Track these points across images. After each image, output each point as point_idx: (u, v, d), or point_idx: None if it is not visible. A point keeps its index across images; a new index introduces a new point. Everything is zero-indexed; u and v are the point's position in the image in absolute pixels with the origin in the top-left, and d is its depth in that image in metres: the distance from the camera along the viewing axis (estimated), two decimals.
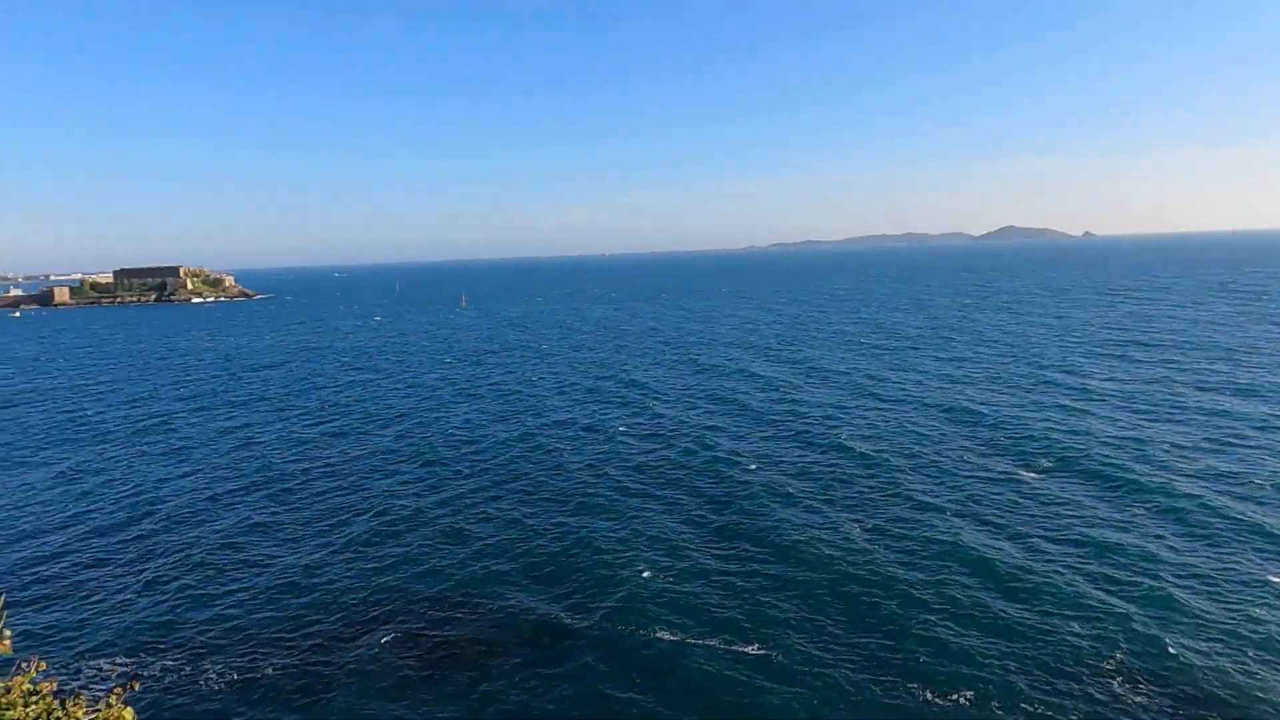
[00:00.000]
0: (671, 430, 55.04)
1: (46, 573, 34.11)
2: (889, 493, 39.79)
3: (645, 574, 31.14)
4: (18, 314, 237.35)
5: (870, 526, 35.29)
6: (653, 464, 47.02)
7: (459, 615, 28.65)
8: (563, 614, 28.33)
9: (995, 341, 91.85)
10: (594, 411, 62.90)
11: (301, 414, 66.52)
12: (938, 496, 38.95)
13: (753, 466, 45.19)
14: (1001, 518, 35.78)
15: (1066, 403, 57.78)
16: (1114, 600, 27.27)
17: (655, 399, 66.58)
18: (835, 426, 53.73)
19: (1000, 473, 42.39)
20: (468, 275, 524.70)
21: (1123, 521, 34.54)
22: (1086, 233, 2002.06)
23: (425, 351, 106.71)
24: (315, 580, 32.05)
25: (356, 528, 38.03)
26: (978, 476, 41.88)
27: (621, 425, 57.42)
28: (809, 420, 56.07)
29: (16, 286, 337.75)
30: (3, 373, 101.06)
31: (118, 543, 37.57)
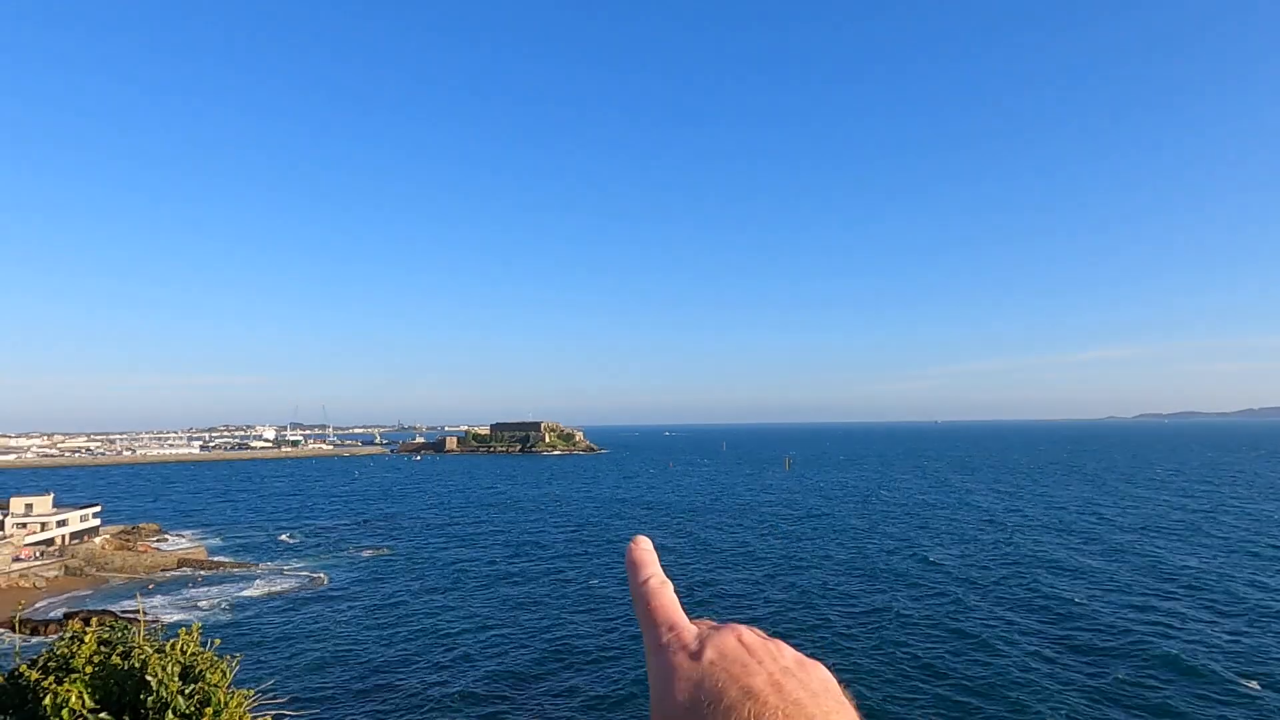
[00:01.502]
0: (961, 619, 50.01)
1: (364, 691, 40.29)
2: None
3: None
4: (419, 458, 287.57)
5: None
6: (935, 659, 42.92)
7: None
8: None
9: None
10: (878, 588, 60.04)
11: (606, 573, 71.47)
12: None
13: (1052, 684, 39.13)
14: None
15: None
16: None
17: (952, 584, 61.29)
18: (1185, 642, 44.57)
19: None
20: (793, 437, 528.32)
21: None
22: None
23: (744, 512, 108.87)
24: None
25: (603, 684, 39.68)
26: None
27: (908, 610, 53.66)
28: (1154, 636, 47.18)
29: (421, 435, 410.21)
30: (393, 508, 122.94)
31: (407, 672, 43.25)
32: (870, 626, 50.15)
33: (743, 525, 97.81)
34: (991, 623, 50.13)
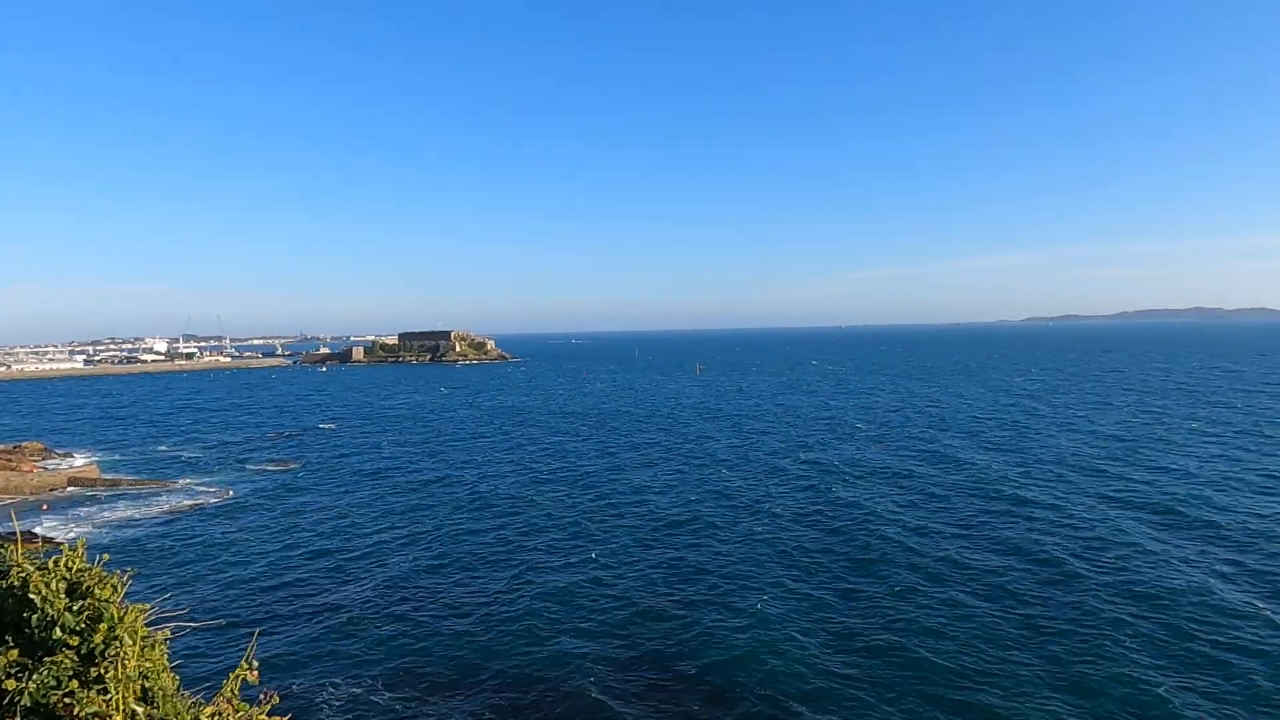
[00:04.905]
0: (837, 511, 53.45)
1: (278, 601, 40.28)
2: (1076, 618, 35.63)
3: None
4: (324, 369, 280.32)
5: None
6: (809, 550, 46.05)
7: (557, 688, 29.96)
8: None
9: None
10: (763, 487, 63.60)
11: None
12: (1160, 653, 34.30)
13: (925, 565, 42.51)
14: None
15: None
16: None
17: (834, 478, 65.33)
18: (1039, 524, 48.93)
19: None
20: (703, 344, 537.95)
21: None
22: None
23: (658, 415, 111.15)
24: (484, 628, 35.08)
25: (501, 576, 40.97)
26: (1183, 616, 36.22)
27: (783, 506, 57.10)
28: (1022, 519, 51.51)
29: (325, 345, 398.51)
30: (297, 421, 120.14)
31: (323, 571, 43.45)
32: (742, 519, 52.93)
33: (657, 426, 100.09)
34: (864, 512, 53.55)
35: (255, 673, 4.92)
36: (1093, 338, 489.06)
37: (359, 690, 29.82)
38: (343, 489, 68.16)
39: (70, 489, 70.25)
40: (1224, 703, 27.16)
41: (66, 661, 4.44)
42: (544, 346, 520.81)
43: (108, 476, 74.97)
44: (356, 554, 48.19)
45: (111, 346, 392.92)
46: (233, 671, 4.85)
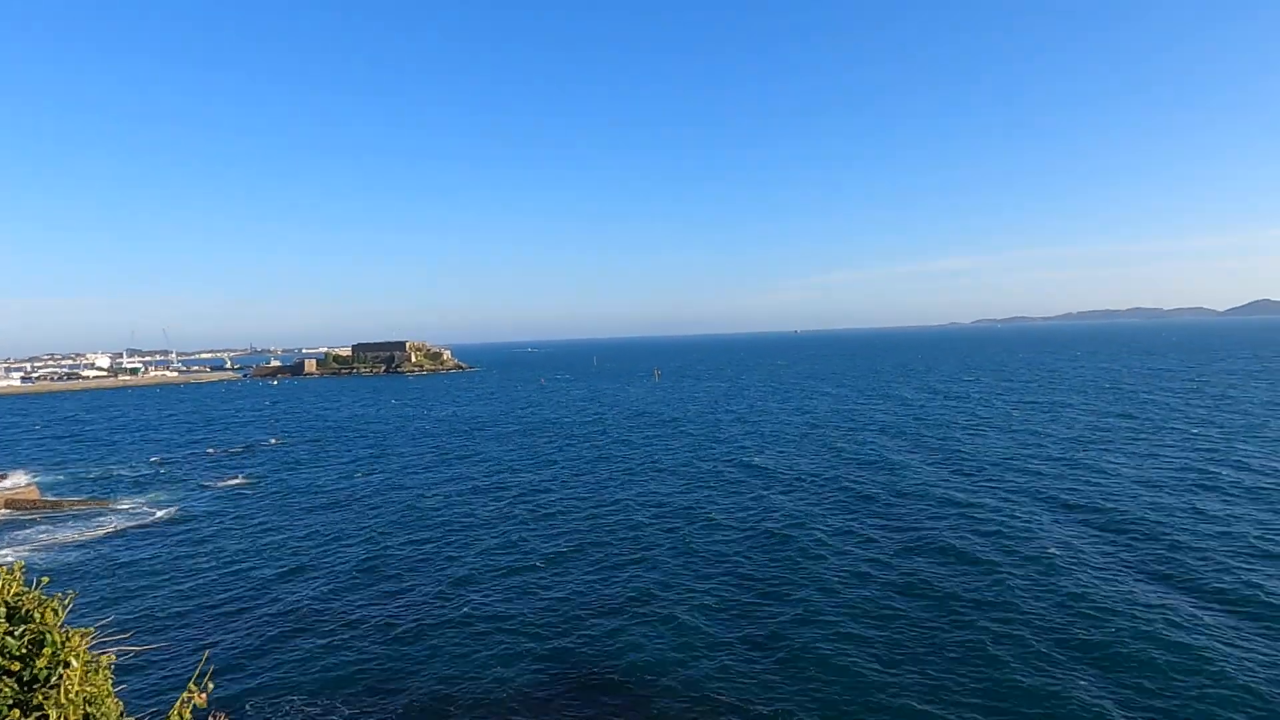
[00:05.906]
0: (771, 519, 54.37)
1: (238, 619, 39.51)
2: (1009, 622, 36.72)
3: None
4: (276, 382, 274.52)
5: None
6: (742, 555, 46.66)
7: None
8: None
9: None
10: (698, 493, 64.34)
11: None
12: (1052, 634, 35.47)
13: (854, 567, 43.33)
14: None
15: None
16: None
17: (771, 485, 66.04)
18: (966, 524, 50.21)
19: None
20: (663, 350, 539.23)
21: None
22: None
23: (625, 427, 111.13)
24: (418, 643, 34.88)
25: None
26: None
27: (719, 512, 57.57)
28: (958, 522, 52.77)
29: (277, 358, 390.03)
30: (248, 436, 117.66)
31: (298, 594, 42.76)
32: (679, 525, 53.70)
33: (614, 433, 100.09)
34: (799, 517, 54.38)
35: (204, 696, 4.82)
36: (1038, 338, 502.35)
37: (315, 710, 29.38)
38: (287, 505, 66.85)
39: (6, 511, 67.83)
40: (1147, 697, 28.17)
41: (7, 689, 4.41)
42: (501, 356, 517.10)
43: (48, 498, 72.52)
44: (301, 571, 47.30)
45: (50, 363, 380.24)
46: (181, 695, 4.76)
